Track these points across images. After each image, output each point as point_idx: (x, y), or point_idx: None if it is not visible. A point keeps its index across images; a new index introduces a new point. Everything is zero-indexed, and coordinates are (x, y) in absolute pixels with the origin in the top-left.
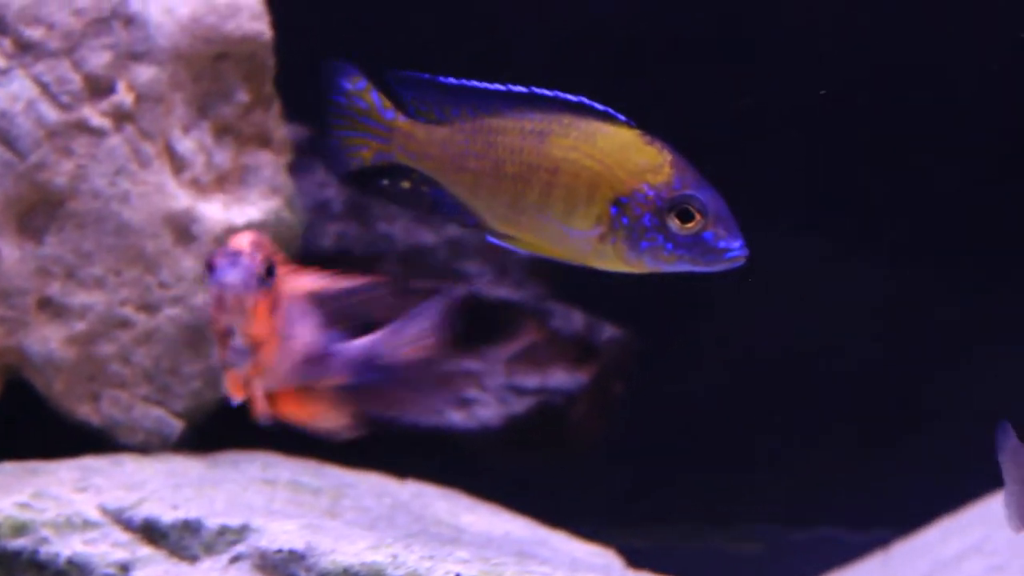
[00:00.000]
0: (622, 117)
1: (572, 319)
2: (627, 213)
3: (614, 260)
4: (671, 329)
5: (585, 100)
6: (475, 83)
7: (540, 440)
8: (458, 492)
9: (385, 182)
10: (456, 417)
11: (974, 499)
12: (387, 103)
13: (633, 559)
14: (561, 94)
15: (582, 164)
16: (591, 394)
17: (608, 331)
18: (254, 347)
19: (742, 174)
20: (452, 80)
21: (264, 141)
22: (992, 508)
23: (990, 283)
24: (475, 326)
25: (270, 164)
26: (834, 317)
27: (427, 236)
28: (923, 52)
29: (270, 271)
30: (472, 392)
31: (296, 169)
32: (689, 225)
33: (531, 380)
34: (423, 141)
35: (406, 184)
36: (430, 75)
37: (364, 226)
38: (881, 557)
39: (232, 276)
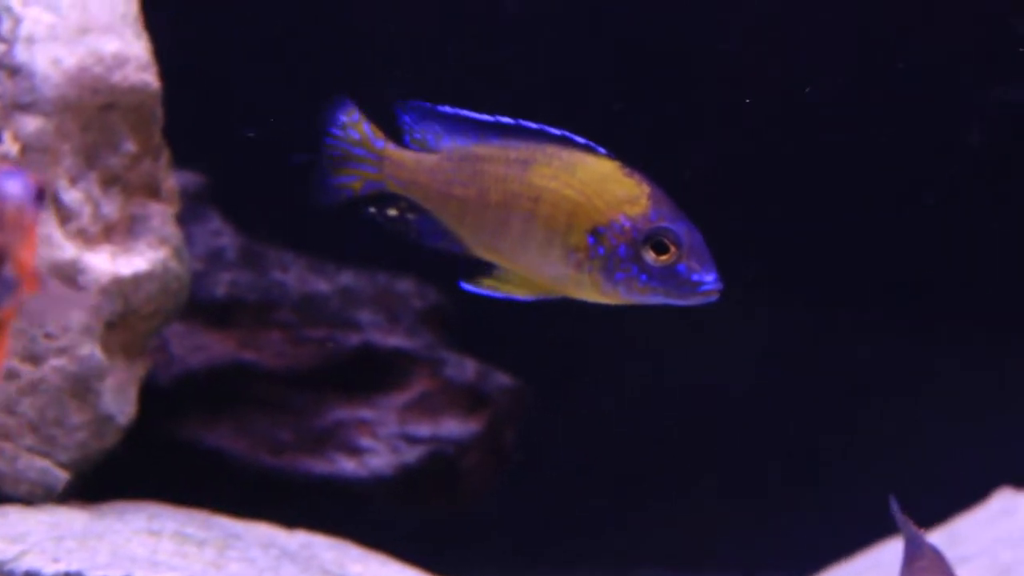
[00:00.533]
0: (602, 149)
1: (464, 367)
2: (603, 243)
3: (591, 290)
4: (564, 375)
5: (568, 133)
6: (468, 112)
7: (432, 489)
8: (348, 542)
9: (372, 210)
10: (348, 466)
11: (866, 546)
12: (378, 133)
13: None
14: (545, 127)
15: (562, 193)
16: (483, 443)
17: (500, 379)
18: (20, 280)
19: None
20: (448, 109)
21: (152, 191)
22: (884, 555)
23: (886, 331)
24: (367, 375)
25: (159, 214)
26: (728, 363)
27: (321, 284)
28: (830, 97)
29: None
30: (364, 441)
31: (190, 217)
32: (663, 257)
33: (423, 429)
34: (412, 168)
35: (394, 212)
36: (430, 104)
37: (257, 274)
38: None
39: (12, 187)
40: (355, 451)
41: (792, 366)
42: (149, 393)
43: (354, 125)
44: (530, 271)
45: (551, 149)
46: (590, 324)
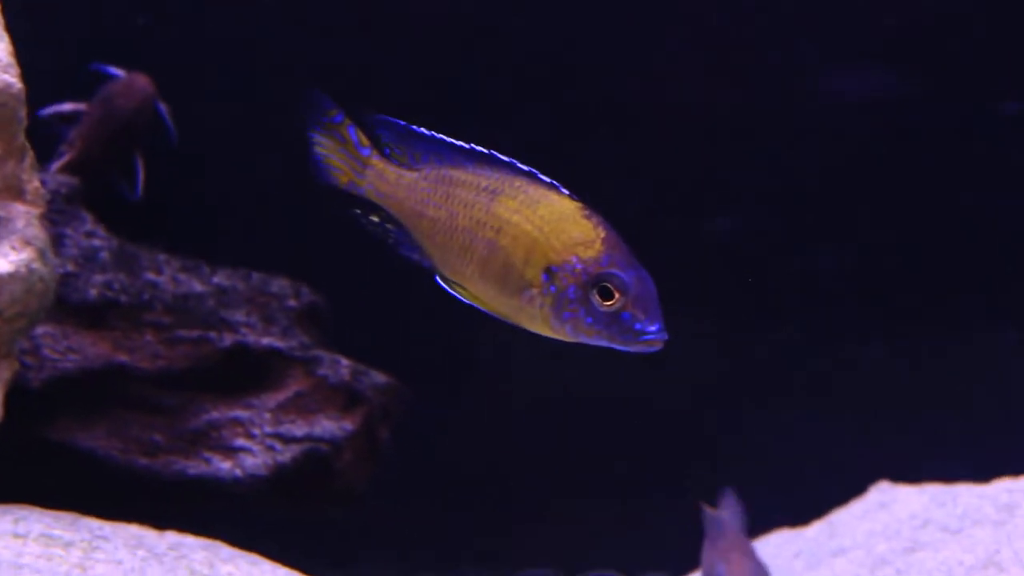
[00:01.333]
0: (565, 191)
1: (339, 367)
2: (555, 282)
3: (542, 325)
4: (445, 377)
5: (535, 172)
6: (444, 137)
7: (307, 488)
8: (220, 542)
9: (358, 211)
10: (223, 466)
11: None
12: (364, 140)
13: None
14: (515, 161)
15: (522, 228)
16: (358, 441)
17: (375, 378)
18: None
19: None
20: (424, 131)
21: (16, 193)
22: (763, 549)
23: (756, 337)
24: (242, 375)
25: (22, 216)
26: (607, 367)
27: (195, 285)
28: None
29: None
30: (239, 441)
31: (63, 219)
32: (608, 303)
33: (298, 428)
34: (393, 183)
35: (375, 218)
36: (405, 123)
37: (131, 275)
38: None
39: None
40: (229, 451)
41: (671, 367)
42: (20, 395)
43: (336, 127)
44: (488, 298)
45: (519, 183)
46: (470, 325)
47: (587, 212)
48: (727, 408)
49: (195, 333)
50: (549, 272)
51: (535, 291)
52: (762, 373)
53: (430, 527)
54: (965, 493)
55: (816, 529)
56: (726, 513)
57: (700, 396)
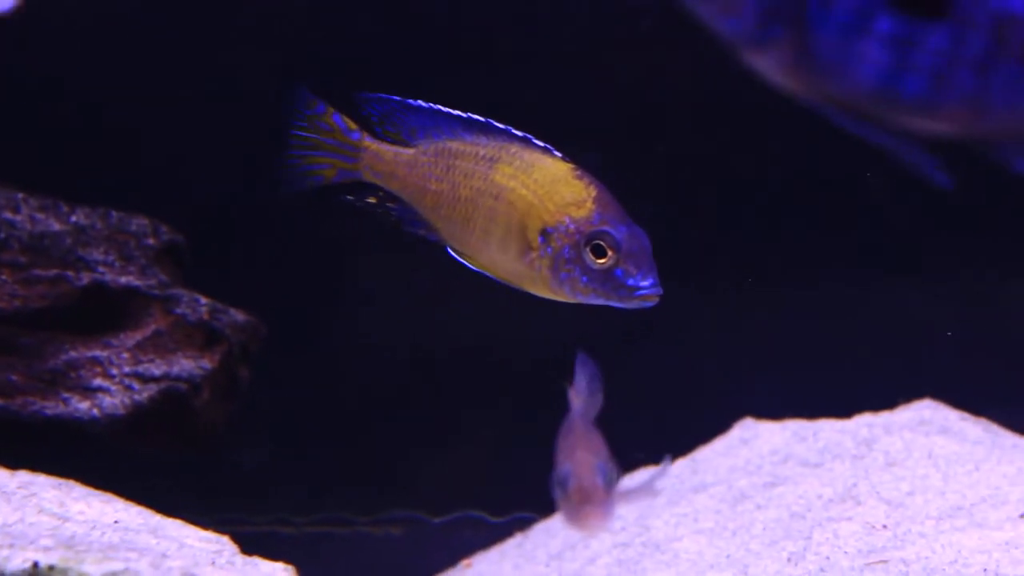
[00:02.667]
0: (558, 153)
1: (198, 306)
2: (551, 243)
3: (542, 287)
4: (309, 318)
5: (529, 137)
6: (441, 107)
7: (165, 427)
8: (73, 482)
9: (350, 197)
10: (80, 406)
11: None
12: (352, 125)
13: (272, 544)
14: (511, 128)
15: (519, 193)
16: (216, 380)
17: (234, 316)
18: None
19: None
20: (422, 103)
21: None
22: (626, 486)
23: None
24: (99, 314)
25: None
26: (474, 309)
27: (52, 223)
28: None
29: None
30: (96, 381)
31: None
32: (601, 260)
33: (156, 368)
34: (390, 161)
35: (372, 200)
36: (399, 97)
37: None
38: (519, 538)
39: None
40: (88, 391)
41: (539, 312)
42: None
43: (320, 118)
44: (494, 265)
45: (515, 148)
46: (332, 265)
47: (578, 173)
48: (593, 350)
49: (52, 272)
50: (545, 234)
51: (534, 254)
52: (626, 315)
53: (293, 469)
54: (826, 428)
55: (679, 466)
56: (579, 400)
57: (565, 339)
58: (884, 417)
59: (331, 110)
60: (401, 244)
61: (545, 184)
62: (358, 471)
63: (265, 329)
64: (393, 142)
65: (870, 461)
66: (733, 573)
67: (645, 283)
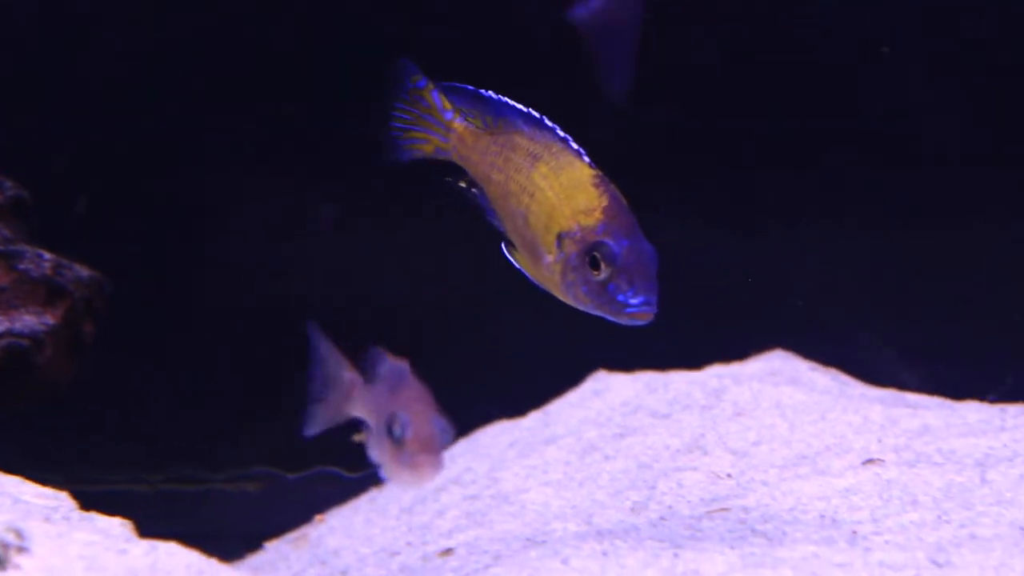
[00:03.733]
0: (587, 158)
1: (41, 261)
2: (564, 248)
3: (557, 291)
4: (160, 277)
5: (568, 138)
6: (507, 100)
7: (7, 384)
8: None
9: (449, 179)
10: None
11: (466, 434)
12: (447, 104)
13: (127, 503)
14: (556, 128)
15: (546, 194)
16: (60, 336)
17: (78, 272)
18: None
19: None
20: (491, 94)
21: None
22: (479, 440)
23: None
24: None
25: None
26: (332, 265)
27: None
28: None
29: None
30: None
31: None
32: (596, 272)
33: None
34: (471, 146)
35: (463, 183)
36: (473, 88)
37: None
38: (373, 493)
39: None
40: None
41: (395, 266)
42: None
43: (420, 92)
44: (528, 264)
45: (555, 148)
46: (182, 225)
47: (597, 180)
48: (451, 306)
49: None
50: (560, 238)
51: (552, 257)
52: (484, 270)
53: (144, 426)
54: (677, 380)
55: (532, 419)
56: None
57: (420, 294)
58: (734, 368)
59: (431, 86)
60: (246, 207)
61: (568, 188)
62: (213, 429)
63: (111, 285)
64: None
65: (719, 412)
66: (577, 523)
67: (635, 300)
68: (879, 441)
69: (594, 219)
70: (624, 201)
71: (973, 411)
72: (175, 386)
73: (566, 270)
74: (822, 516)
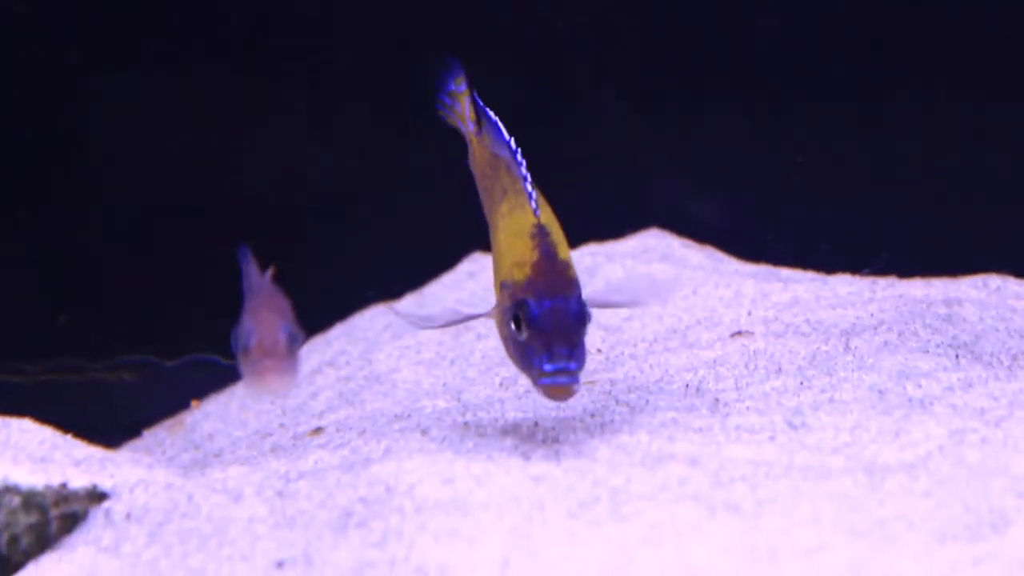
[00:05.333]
0: (535, 203)
1: None
2: (503, 299)
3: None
4: (39, 165)
5: (527, 177)
6: (499, 124)
7: None
8: None
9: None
10: None
11: (343, 319)
12: (473, 115)
13: (3, 395)
14: (523, 163)
15: (499, 236)
16: None
17: None
18: None
19: None
20: (490, 113)
21: None
22: (356, 323)
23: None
24: None
25: None
26: (212, 157)
27: None
28: None
29: None
30: None
31: None
32: (519, 332)
33: None
34: (476, 162)
35: None
36: (482, 104)
37: None
38: None
39: None
40: None
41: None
42: None
43: (458, 96)
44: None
45: (518, 187)
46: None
47: (535, 231)
48: (327, 193)
49: None
50: (501, 288)
51: (496, 302)
52: (359, 157)
53: (22, 318)
54: None
55: (407, 301)
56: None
57: (295, 184)
58: (609, 246)
59: (468, 92)
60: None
61: (513, 235)
62: (90, 317)
63: None
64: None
65: (591, 289)
66: (447, 399)
67: (547, 367)
68: (749, 314)
69: (523, 274)
70: (560, 256)
71: (844, 284)
72: (50, 275)
73: (501, 323)
74: (687, 386)
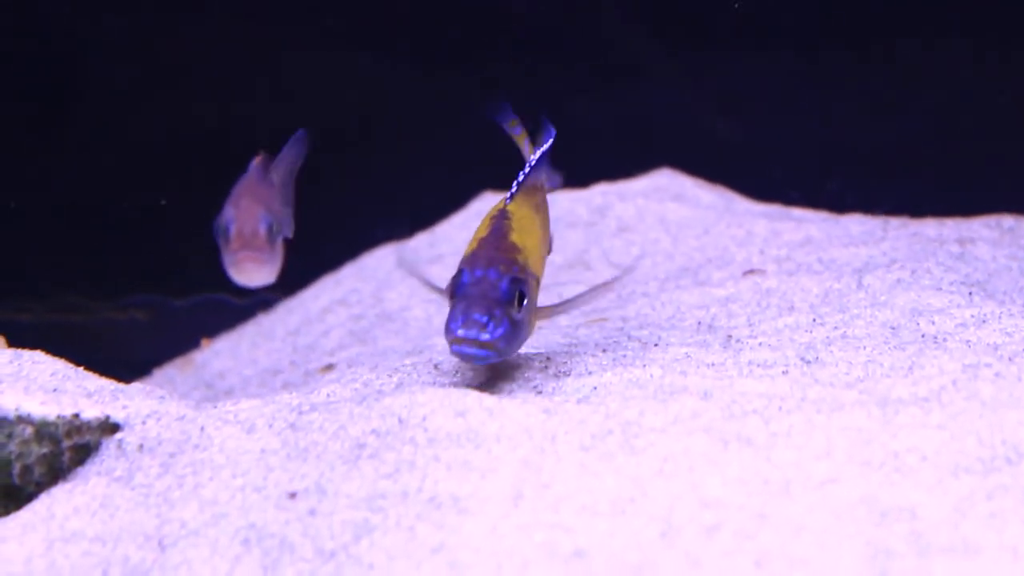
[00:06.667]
0: (514, 188)
1: None
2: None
3: None
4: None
5: (521, 172)
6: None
7: None
8: None
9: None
10: None
11: (353, 258)
12: (529, 151)
13: (12, 333)
14: (529, 160)
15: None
16: None
17: None
18: None
19: None
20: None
21: None
22: (366, 263)
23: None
24: None
25: None
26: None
27: None
28: None
29: None
30: None
31: None
32: (450, 299)
33: None
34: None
35: None
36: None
37: None
38: (260, 318)
39: None
40: None
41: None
42: None
43: (516, 138)
44: None
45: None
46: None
47: (496, 213)
48: (341, 134)
49: None
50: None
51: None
52: (373, 100)
53: (31, 257)
54: (562, 198)
55: (418, 240)
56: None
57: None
58: (620, 186)
59: (524, 135)
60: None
61: (484, 217)
62: (100, 257)
63: None
64: None
65: (603, 228)
66: None
67: (460, 333)
68: (761, 253)
69: (470, 249)
70: (509, 237)
71: (856, 223)
72: (59, 215)
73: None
74: (699, 323)
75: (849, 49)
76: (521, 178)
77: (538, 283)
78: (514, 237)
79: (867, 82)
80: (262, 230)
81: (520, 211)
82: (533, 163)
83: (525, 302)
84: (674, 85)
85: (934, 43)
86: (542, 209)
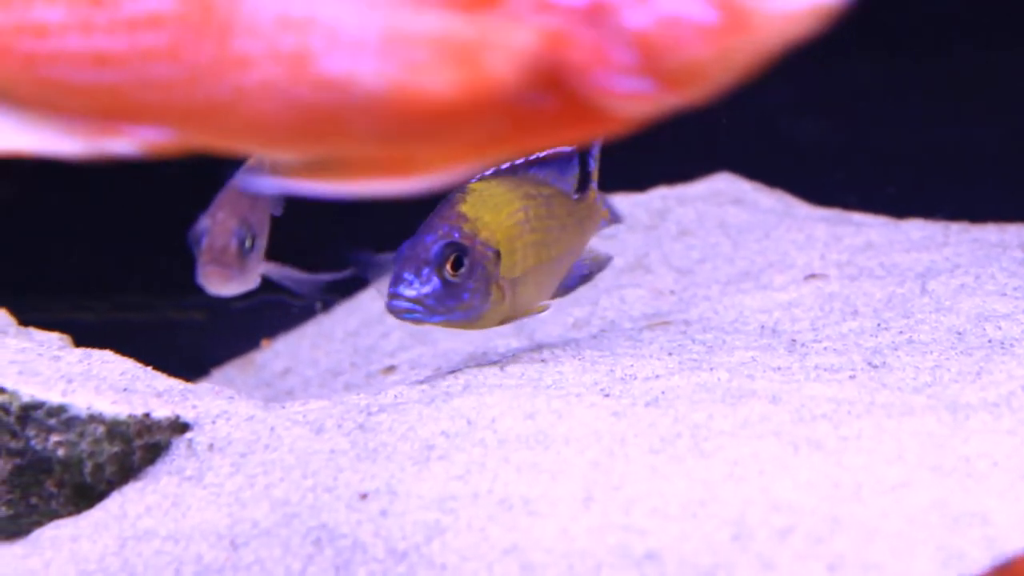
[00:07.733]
0: (482, 174)
1: None
2: None
3: None
4: None
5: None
6: None
7: None
8: None
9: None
10: None
11: None
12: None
13: (72, 331)
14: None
15: None
16: None
17: None
18: None
19: None
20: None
21: None
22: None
23: None
24: None
25: None
26: None
27: None
28: None
29: None
30: None
31: None
32: None
33: None
34: None
35: None
36: None
37: None
38: (320, 318)
39: None
40: None
41: None
42: None
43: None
44: None
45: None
46: None
47: (459, 189)
48: None
49: None
50: None
51: None
52: None
53: (91, 255)
54: (622, 202)
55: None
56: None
57: None
58: (679, 189)
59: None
60: None
61: None
62: (160, 256)
63: None
64: None
65: (662, 231)
66: (519, 340)
67: (391, 289)
68: (822, 257)
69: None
70: (459, 208)
71: (916, 228)
72: (120, 217)
73: None
74: (763, 327)
75: (910, 53)
76: (519, 161)
77: (520, 267)
78: (464, 208)
79: (928, 86)
80: (233, 245)
81: (490, 189)
82: (531, 164)
83: (464, 268)
84: (735, 88)
85: (995, 47)
86: (555, 206)
